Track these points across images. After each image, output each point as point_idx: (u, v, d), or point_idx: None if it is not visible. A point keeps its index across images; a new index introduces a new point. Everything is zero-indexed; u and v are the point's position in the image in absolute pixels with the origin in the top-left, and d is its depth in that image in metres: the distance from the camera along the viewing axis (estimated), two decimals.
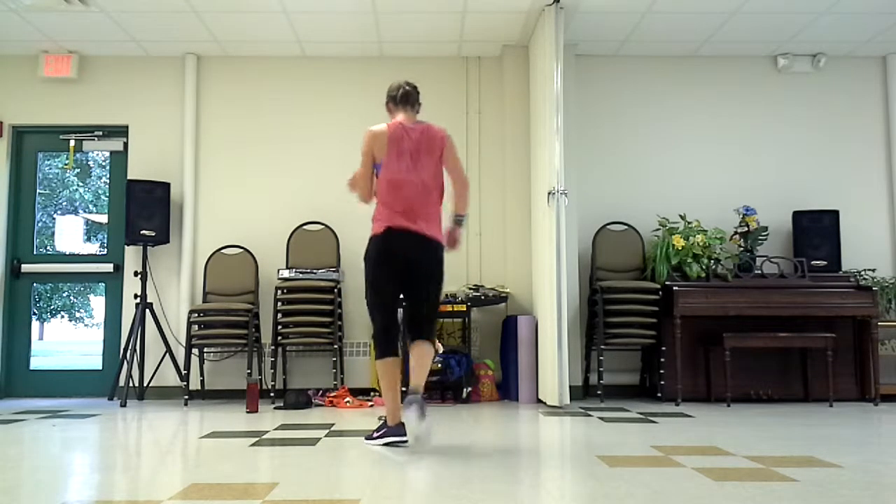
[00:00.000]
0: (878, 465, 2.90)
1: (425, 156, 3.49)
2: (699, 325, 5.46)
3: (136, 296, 5.83)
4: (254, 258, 5.91)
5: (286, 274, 5.67)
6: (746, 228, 5.72)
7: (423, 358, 3.45)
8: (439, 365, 5.32)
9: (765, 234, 5.74)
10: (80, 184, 16.41)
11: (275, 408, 5.21)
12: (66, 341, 24.77)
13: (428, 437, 3.34)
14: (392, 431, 3.42)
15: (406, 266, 3.44)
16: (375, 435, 3.48)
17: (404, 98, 3.64)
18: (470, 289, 5.72)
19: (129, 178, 6.00)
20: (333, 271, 5.68)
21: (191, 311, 5.61)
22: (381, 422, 3.54)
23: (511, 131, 6.03)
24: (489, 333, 5.94)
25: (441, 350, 5.40)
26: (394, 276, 3.45)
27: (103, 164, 9.93)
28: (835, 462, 2.96)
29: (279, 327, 5.63)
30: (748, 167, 6.19)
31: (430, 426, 3.42)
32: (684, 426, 4.09)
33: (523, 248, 5.88)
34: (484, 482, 2.61)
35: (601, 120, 6.21)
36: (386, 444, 3.41)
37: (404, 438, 3.36)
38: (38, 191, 6.32)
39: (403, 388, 3.87)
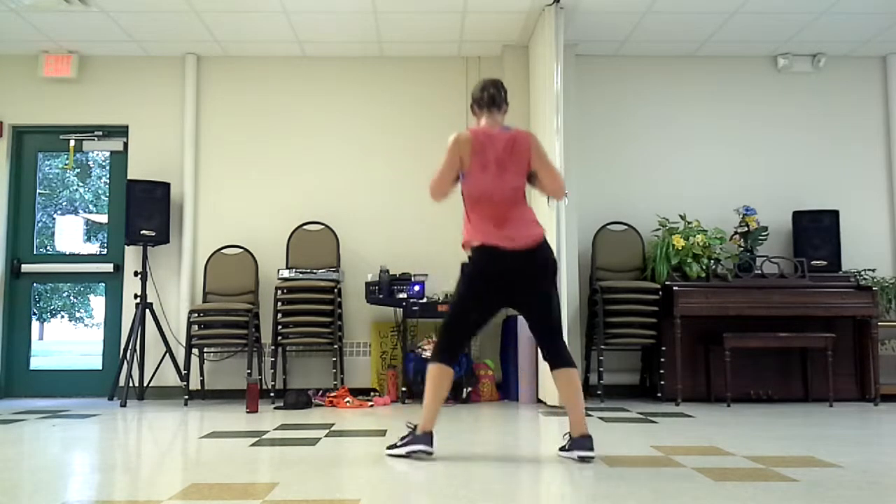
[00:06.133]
0: (878, 465, 2.90)
1: (511, 166, 3.19)
2: (699, 325, 5.46)
3: (136, 296, 5.83)
4: (254, 258, 5.91)
5: (286, 274, 5.67)
6: (746, 228, 5.72)
7: (571, 386, 3.12)
8: None
9: (765, 234, 5.74)
10: (80, 184, 16.42)
11: (275, 408, 5.21)
12: (66, 341, 24.76)
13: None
14: (420, 440, 3.13)
15: (510, 286, 3.16)
16: (399, 444, 3.18)
17: (490, 102, 3.30)
18: None
19: (129, 178, 6.00)
20: (333, 271, 5.68)
21: (191, 311, 5.61)
22: (410, 430, 3.22)
23: None
24: (489, 333, 5.94)
25: None
26: (490, 294, 3.18)
27: (103, 164, 9.94)
28: (835, 462, 2.96)
29: (279, 327, 5.63)
30: (748, 167, 6.19)
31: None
32: (684, 426, 4.09)
33: None
34: (484, 482, 2.61)
35: (601, 120, 6.21)
36: (409, 453, 3.13)
37: (430, 449, 3.11)
38: (38, 191, 6.32)
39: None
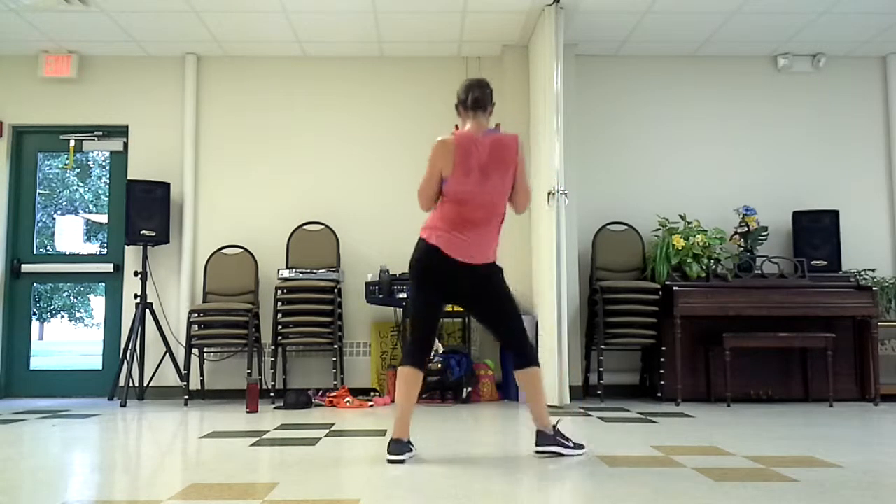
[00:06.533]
0: (878, 465, 2.90)
1: (495, 172, 3.15)
2: (699, 325, 5.46)
3: (136, 296, 5.83)
4: (254, 258, 5.91)
5: (286, 274, 5.67)
6: (746, 228, 5.72)
7: (537, 386, 3.16)
8: (439, 365, 5.32)
9: (765, 234, 5.74)
10: (80, 184, 16.42)
11: (275, 408, 5.21)
12: (66, 341, 24.76)
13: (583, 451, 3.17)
14: (392, 447, 3.07)
15: (454, 290, 3.18)
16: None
17: (475, 104, 3.23)
18: None
19: (129, 178, 6.00)
20: (333, 271, 5.68)
21: (191, 311, 5.61)
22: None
23: (511, 131, 6.01)
24: (489, 334, 5.93)
25: (441, 350, 5.41)
26: (437, 296, 3.19)
27: (103, 164, 9.94)
28: (835, 462, 2.96)
29: (279, 327, 5.63)
30: (748, 167, 6.19)
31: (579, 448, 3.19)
32: (684, 426, 4.09)
33: (523, 248, 5.88)
34: (484, 482, 2.61)
35: (601, 120, 6.21)
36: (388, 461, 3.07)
37: (402, 457, 3.03)
38: (38, 191, 6.32)
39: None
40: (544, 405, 3.20)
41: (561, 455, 3.13)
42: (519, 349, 3.21)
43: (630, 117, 6.23)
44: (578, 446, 3.17)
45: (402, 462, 3.03)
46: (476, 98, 3.23)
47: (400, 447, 3.06)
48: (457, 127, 3.34)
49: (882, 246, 6.14)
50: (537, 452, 3.18)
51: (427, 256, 3.16)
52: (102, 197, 15.12)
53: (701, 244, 5.49)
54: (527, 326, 5.33)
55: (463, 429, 4.05)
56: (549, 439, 3.16)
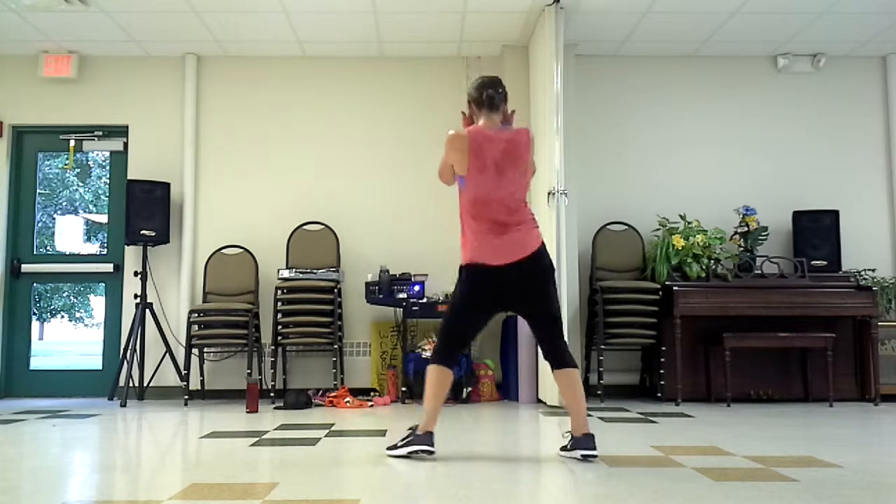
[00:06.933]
0: (878, 465, 2.90)
1: (509, 167, 3.15)
2: (699, 325, 5.46)
3: (136, 296, 5.83)
4: (254, 258, 5.91)
5: (286, 274, 5.67)
6: (746, 228, 5.72)
7: (573, 387, 3.11)
8: None
9: (765, 234, 5.74)
10: (80, 184, 16.41)
11: (275, 408, 5.21)
12: (66, 341, 24.76)
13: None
14: (421, 440, 3.11)
15: (502, 297, 3.16)
16: (400, 444, 3.16)
17: (489, 103, 3.24)
18: None
19: (129, 178, 6.00)
20: (333, 271, 5.68)
21: (191, 311, 5.61)
22: (409, 431, 3.21)
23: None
24: (489, 333, 5.93)
25: None
26: (484, 309, 3.18)
27: (103, 164, 9.93)
28: (835, 462, 2.96)
29: (279, 327, 5.63)
30: (748, 167, 6.19)
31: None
32: (684, 426, 4.09)
33: None
34: (484, 482, 2.61)
35: (601, 120, 6.21)
36: (410, 454, 3.11)
37: (431, 449, 3.08)
38: (38, 191, 6.32)
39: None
40: (584, 409, 3.13)
41: (585, 457, 3.05)
42: (557, 349, 3.17)
43: (630, 117, 6.23)
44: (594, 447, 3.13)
45: (433, 454, 3.10)
46: (490, 96, 3.25)
47: (431, 439, 3.12)
48: (464, 114, 3.35)
49: (882, 246, 6.14)
50: (565, 456, 3.13)
51: (469, 276, 3.16)
52: (102, 197, 15.11)
53: (701, 244, 5.49)
54: (527, 326, 5.37)
55: (463, 429, 4.05)
56: (580, 445, 3.07)
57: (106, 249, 6.30)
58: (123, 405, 5.37)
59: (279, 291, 5.62)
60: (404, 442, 3.16)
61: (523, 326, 5.38)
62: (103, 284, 6.28)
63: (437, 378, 3.16)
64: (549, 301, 3.16)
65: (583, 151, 6.06)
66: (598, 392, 5.38)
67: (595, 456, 3.03)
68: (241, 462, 3.04)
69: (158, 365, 5.89)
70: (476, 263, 3.13)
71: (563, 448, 3.17)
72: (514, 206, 3.16)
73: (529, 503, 2.32)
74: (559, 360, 3.15)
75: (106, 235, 6.39)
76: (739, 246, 5.73)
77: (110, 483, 2.65)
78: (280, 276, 5.68)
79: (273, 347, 5.69)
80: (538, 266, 3.14)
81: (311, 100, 6.24)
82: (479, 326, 3.27)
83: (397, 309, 5.81)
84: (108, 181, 6.43)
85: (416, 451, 3.11)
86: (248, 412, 4.93)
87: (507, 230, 3.13)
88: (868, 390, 5.38)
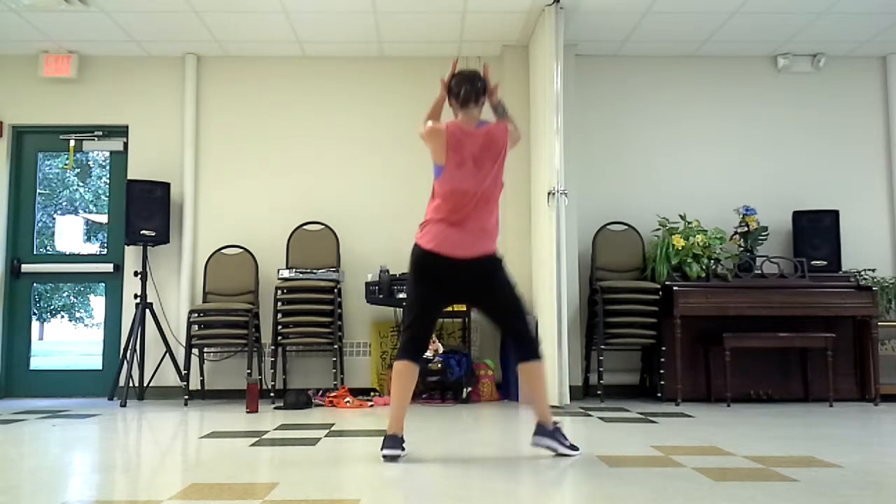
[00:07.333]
0: (878, 465, 2.90)
1: (487, 162, 3.18)
2: (699, 325, 5.45)
3: (136, 296, 5.83)
4: (254, 258, 5.91)
5: (286, 274, 5.67)
6: (746, 228, 5.72)
7: (540, 380, 3.15)
8: (439, 365, 5.32)
9: (765, 234, 5.74)
10: (80, 184, 16.40)
11: (275, 408, 5.21)
12: (66, 341, 24.75)
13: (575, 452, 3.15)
14: (386, 443, 3.06)
15: (454, 289, 3.19)
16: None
17: (466, 99, 3.28)
18: None
19: (129, 178, 6.00)
20: (333, 271, 5.68)
21: (191, 311, 5.61)
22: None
23: None
24: (489, 333, 5.94)
25: (441, 350, 5.41)
26: (437, 296, 3.19)
27: (103, 164, 9.94)
28: (835, 462, 2.96)
29: (279, 327, 5.63)
30: (748, 167, 6.19)
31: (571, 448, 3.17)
32: (684, 426, 4.09)
33: (523, 248, 5.88)
34: (484, 482, 2.61)
35: (601, 120, 6.21)
36: (383, 457, 3.06)
37: (396, 453, 3.03)
38: (38, 191, 6.32)
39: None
40: (546, 400, 3.21)
41: (556, 451, 3.14)
42: (522, 342, 3.20)
43: (630, 117, 6.23)
44: (574, 447, 3.16)
45: (396, 458, 3.03)
46: (468, 92, 3.29)
47: (395, 442, 3.05)
48: (442, 80, 3.44)
49: (882, 246, 6.14)
50: (534, 444, 3.19)
51: (423, 260, 3.16)
52: (102, 197, 15.10)
53: (701, 244, 5.49)
54: None
55: (463, 429, 4.05)
56: (547, 433, 3.17)
57: (106, 249, 6.30)
58: (123, 405, 5.37)
59: (279, 291, 5.62)
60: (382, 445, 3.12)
61: None
62: (103, 284, 6.28)
63: (405, 373, 3.12)
64: (507, 290, 3.19)
65: (583, 151, 6.06)
66: (598, 392, 5.38)
67: (396, 458, 3.02)
68: (241, 462, 3.04)
69: (158, 365, 5.89)
70: (431, 251, 3.13)
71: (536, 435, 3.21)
72: (486, 203, 3.17)
73: (529, 503, 2.32)
74: (527, 351, 3.18)
75: (106, 235, 6.39)
76: (739, 246, 5.73)
77: (110, 483, 2.65)
78: (280, 276, 5.68)
79: (273, 347, 5.69)
80: (489, 263, 3.19)
81: (311, 100, 6.24)
82: (437, 313, 3.25)
83: (397, 309, 5.81)
84: (108, 181, 6.43)
85: (384, 456, 3.04)
86: (248, 412, 4.93)
87: (470, 225, 3.15)
88: (868, 390, 5.38)
